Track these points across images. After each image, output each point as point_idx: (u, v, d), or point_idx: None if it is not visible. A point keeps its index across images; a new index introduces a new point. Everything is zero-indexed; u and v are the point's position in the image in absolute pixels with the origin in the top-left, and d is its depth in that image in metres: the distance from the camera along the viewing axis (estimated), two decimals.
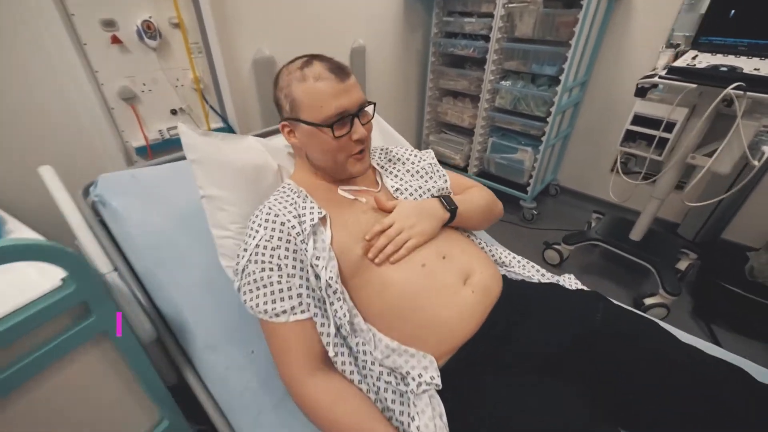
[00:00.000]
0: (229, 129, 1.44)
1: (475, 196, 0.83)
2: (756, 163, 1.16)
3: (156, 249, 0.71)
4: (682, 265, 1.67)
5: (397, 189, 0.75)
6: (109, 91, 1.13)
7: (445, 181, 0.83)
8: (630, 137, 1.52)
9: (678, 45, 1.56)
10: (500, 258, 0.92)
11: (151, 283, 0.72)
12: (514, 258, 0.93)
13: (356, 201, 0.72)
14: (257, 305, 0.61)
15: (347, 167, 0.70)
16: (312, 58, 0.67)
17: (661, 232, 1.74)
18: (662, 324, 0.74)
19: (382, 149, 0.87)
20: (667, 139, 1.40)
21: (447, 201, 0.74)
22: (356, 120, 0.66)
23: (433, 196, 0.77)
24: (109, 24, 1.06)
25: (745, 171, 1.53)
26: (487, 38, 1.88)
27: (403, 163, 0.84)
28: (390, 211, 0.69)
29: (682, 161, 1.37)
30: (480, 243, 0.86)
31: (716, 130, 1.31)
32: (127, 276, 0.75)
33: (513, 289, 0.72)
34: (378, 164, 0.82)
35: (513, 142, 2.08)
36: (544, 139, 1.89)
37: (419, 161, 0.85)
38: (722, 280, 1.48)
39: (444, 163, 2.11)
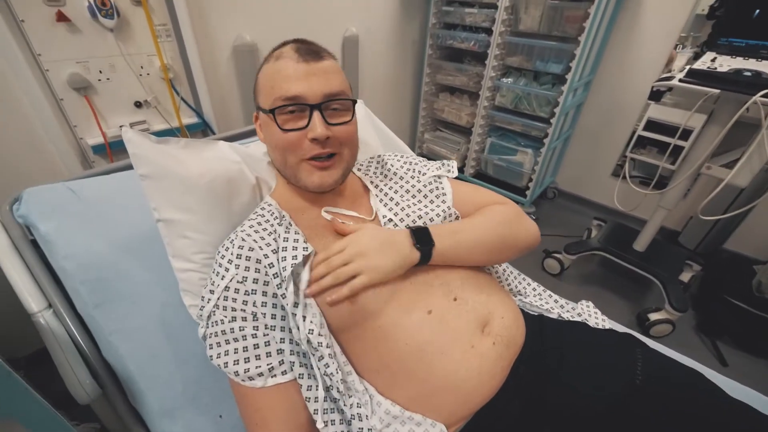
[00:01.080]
0: (204, 125, 1.27)
1: (483, 223, 0.61)
2: None
3: (96, 286, 0.56)
4: (686, 276, 1.61)
5: (390, 220, 0.60)
6: (56, 78, 0.95)
7: (458, 217, 0.65)
8: (639, 143, 1.43)
9: (684, 45, 1.46)
10: (514, 286, 0.81)
11: (92, 328, 0.58)
12: (528, 285, 0.83)
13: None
14: (226, 363, 0.48)
15: (300, 175, 0.55)
16: (293, 40, 0.56)
17: (664, 242, 1.67)
18: (705, 371, 0.65)
19: (378, 160, 0.73)
20: (680, 147, 1.31)
21: (419, 236, 0.54)
22: (316, 114, 0.51)
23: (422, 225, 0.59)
24: None
25: (762, 181, 1.47)
26: (489, 31, 1.75)
27: (400, 179, 0.69)
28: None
29: (696, 171, 1.28)
30: (498, 271, 0.74)
31: (732, 138, 1.23)
32: (66, 314, 0.60)
33: (537, 330, 0.60)
34: (372, 182, 0.67)
35: (512, 143, 1.98)
36: (546, 141, 1.79)
37: (420, 175, 0.70)
38: (728, 294, 1.42)
39: None
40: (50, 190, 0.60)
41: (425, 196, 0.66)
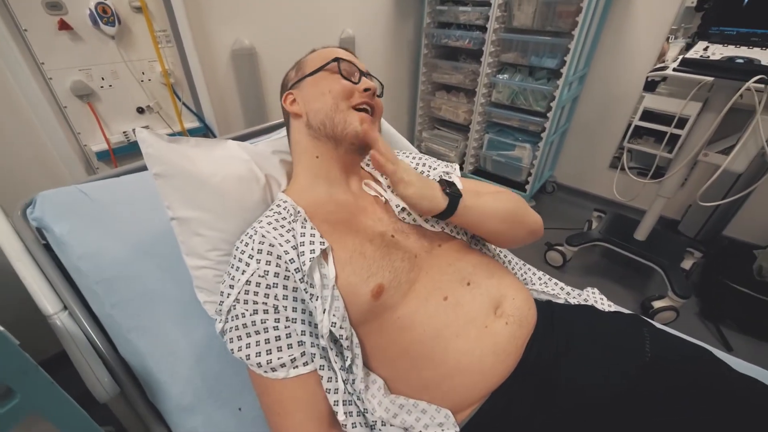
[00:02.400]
0: (205, 128, 1.28)
1: (500, 195, 0.66)
2: None
3: (112, 286, 0.56)
4: (687, 264, 1.62)
5: (403, 209, 0.62)
6: (60, 86, 0.96)
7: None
8: (636, 133, 1.45)
9: (677, 36, 1.49)
10: (520, 275, 0.83)
11: (109, 327, 0.58)
12: (534, 274, 0.84)
13: (360, 225, 0.58)
14: (248, 356, 0.49)
15: (350, 118, 0.60)
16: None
17: (664, 231, 1.69)
18: (713, 350, 0.66)
19: None
20: (676, 135, 1.33)
21: (449, 187, 0.58)
22: (364, 77, 0.64)
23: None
24: (54, 6, 0.89)
25: (758, 167, 1.49)
26: (483, 29, 1.77)
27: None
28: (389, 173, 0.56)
29: (693, 159, 1.30)
30: (505, 261, 0.75)
31: (727, 125, 1.25)
32: (81, 315, 0.60)
33: (547, 314, 0.62)
34: (382, 174, 0.69)
35: (510, 138, 1.99)
36: (544, 135, 1.81)
37: (431, 170, 0.73)
38: (729, 279, 1.43)
39: None
40: (63, 193, 0.61)
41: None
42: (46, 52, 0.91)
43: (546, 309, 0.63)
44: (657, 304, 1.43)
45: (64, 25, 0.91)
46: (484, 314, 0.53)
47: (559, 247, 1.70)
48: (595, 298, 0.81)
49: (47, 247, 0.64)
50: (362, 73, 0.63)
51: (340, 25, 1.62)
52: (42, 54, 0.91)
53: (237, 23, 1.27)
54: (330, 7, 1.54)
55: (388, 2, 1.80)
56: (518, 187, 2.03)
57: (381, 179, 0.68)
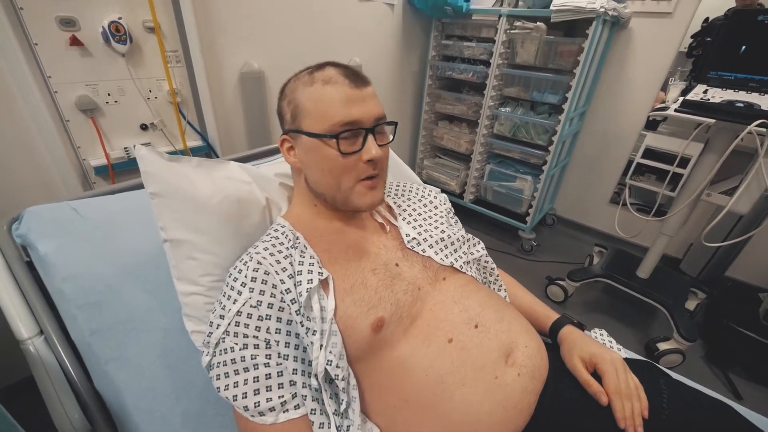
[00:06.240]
0: (208, 148, 1.27)
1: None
2: None
3: (94, 311, 0.53)
4: (691, 304, 1.59)
5: (413, 239, 0.60)
6: (64, 100, 0.95)
7: (476, 243, 0.69)
8: (638, 170, 1.46)
9: (674, 79, 1.53)
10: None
11: (87, 357, 0.54)
12: None
13: (363, 253, 0.55)
14: (235, 396, 0.45)
15: (353, 197, 0.54)
16: (326, 63, 0.55)
17: (667, 270, 1.66)
18: (732, 404, 0.62)
19: (397, 183, 0.74)
20: (678, 174, 1.33)
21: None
22: (370, 137, 0.52)
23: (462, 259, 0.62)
24: (68, 22, 0.90)
25: (760, 207, 1.49)
26: (486, 63, 1.82)
27: (419, 201, 0.70)
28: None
29: (697, 199, 1.30)
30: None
31: (729, 165, 1.25)
32: (58, 342, 0.56)
33: (560, 364, 0.58)
34: (395, 202, 0.67)
35: (511, 169, 2.00)
36: (545, 168, 1.82)
37: (433, 198, 0.73)
38: (736, 323, 1.39)
39: (438, 188, 2.01)
40: (52, 210, 0.58)
41: (441, 216, 0.67)
42: (54, 66, 0.91)
43: (557, 356, 0.59)
44: (662, 346, 1.38)
45: (75, 41, 0.92)
46: (494, 362, 0.49)
47: (561, 282, 1.67)
48: (603, 340, 0.78)
49: (30, 265, 0.61)
50: (366, 131, 0.52)
51: (349, 54, 1.66)
52: (50, 68, 0.91)
53: (247, 46, 1.29)
54: (340, 35, 1.58)
55: (396, 34, 1.85)
56: (518, 218, 2.02)
57: (392, 204, 0.67)
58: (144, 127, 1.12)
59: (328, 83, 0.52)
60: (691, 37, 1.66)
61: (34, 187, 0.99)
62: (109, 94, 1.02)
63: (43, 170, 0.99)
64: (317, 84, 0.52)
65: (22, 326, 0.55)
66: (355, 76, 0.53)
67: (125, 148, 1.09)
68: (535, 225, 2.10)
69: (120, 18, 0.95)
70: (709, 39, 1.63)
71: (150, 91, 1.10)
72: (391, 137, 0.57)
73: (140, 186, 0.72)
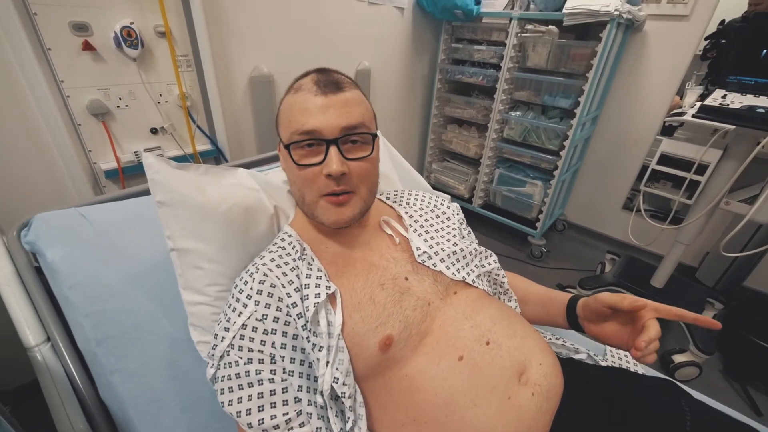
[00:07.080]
0: (217, 152, 1.27)
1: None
2: None
3: (100, 319, 0.52)
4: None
5: (424, 252, 0.57)
6: (76, 104, 0.96)
7: (488, 255, 0.66)
8: (653, 177, 1.42)
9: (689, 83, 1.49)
10: (543, 329, 0.77)
11: (92, 366, 0.53)
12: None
13: (371, 267, 0.53)
14: (239, 413, 0.44)
15: (317, 212, 0.52)
16: (315, 69, 0.54)
17: (682, 279, 1.62)
18: (754, 424, 0.59)
19: (408, 192, 0.72)
20: (695, 181, 1.30)
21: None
22: (332, 149, 0.48)
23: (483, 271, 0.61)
24: (80, 28, 0.90)
25: None
26: (497, 67, 1.80)
27: (432, 212, 0.67)
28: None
29: (715, 207, 1.26)
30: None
31: (749, 173, 1.21)
32: (65, 350, 0.56)
33: (575, 380, 0.55)
34: (406, 212, 0.65)
35: (521, 174, 1.97)
36: (556, 173, 1.79)
37: (445, 208, 0.70)
38: (756, 336, 1.35)
39: (447, 193, 1.99)
40: (61, 216, 0.58)
41: (454, 227, 0.64)
42: (66, 71, 0.92)
43: (573, 373, 0.57)
44: (678, 358, 1.34)
45: (87, 46, 0.92)
46: (507, 381, 0.47)
47: (572, 290, 1.63)
48: (620, 354, 0.75)
49: (39, 271, 0.60)
50: (329, 142, 0.48)
51: (358, 57, 1.66)
52: (62, 72, 0.91)
53: (257, 51, 1.29)
54: (349, 39, 1.58)
55: (405, 38, 1.84)
56: (528, 224, 1.98)
57: (403, 214, 0.64)
58: (154, 131, 1.12)
59: (298, 91, 0.51)
60: (705, 38, 1.62)
61: (46, 190, 1.00)
62: (120, 99, 1.03)
63: (55, 173, 1.00)
64: (291, 91, 0.52)
65: (30, 333, 0.55)
66: (326, 82, 0.50)
67: (135, 152, 1.09)
68: (546, 231, 2.06)
69: (132, 23, 0.95)
70: (723, 41, 1.59)
71: (160, 95, 1.10)
72: (370, 150, 0.52)
73: (148, 191, 0.72)
